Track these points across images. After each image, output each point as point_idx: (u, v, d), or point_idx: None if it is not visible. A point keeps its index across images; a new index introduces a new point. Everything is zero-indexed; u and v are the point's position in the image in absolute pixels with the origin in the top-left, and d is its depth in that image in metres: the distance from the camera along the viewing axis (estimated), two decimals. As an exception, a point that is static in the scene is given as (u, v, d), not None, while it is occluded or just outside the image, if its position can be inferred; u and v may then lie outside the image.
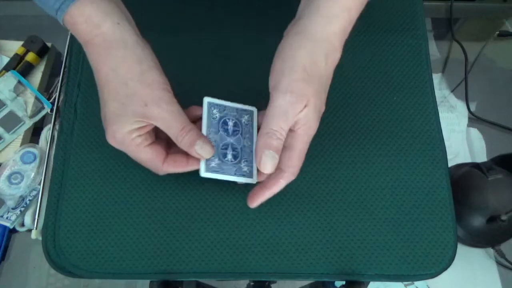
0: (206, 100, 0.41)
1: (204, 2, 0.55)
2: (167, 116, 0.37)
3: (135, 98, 0.36)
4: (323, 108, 0.37)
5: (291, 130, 0.36)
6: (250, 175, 0.40)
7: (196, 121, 0.41)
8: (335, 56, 0.37)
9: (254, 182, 0.40)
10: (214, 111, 0.41)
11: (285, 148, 0.37)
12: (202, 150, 0.37)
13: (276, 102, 0.35)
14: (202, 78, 0.51)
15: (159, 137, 0.40)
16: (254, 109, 0.43)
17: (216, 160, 0.40)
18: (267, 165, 0.36)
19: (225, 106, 0.42)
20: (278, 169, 0.38)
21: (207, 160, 0.39)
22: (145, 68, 0.37)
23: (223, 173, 0.39)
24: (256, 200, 0.39)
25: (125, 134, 0.37)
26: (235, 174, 0.40)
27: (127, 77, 0.36)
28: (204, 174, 0.39)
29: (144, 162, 0.39)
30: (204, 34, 0.53)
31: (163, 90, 0.37)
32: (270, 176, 0.38)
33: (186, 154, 0.39)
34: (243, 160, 0.40)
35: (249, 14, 0.54)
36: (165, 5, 0.54)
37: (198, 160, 0.39)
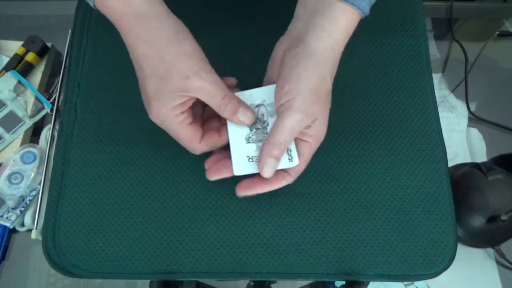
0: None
1: (205, 3, 0.55)
2: (209, 86, 0.37)
3: (174, 71, 0.36)
4: (328, 117, 0.39)
5: (300, 140, 0.38)
6: (291, 159, 0.39)
7: (231, 89, 0.41)
8: (335, 71, 0.39)
9: (296, 164, 0.39)
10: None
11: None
12: (245, 117, 0.39)
13: (285, 120, 0.36)
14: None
15: (196, 118, 0.40)
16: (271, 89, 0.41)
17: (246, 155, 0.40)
18: (268, 172, 0.37)
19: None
20: (285, 172, 0.39)
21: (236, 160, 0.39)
22: (181, 39, 0.37)
23: (257, 162, 0.39)
24: (251, 191, 0.39)
25: (169, 111, 0.37)
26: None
27: (164, 49, 0.36)
28: (238, 172, 0.39)
29: (183, 140, 0.39)
30: (205, 35, 0.53)
31: (201, 60, 0.37)
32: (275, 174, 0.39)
33: (217, 131, 0.40)
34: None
35: (250, 14, 0.54)
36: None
37: (226, 135, 0.40)
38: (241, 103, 0.39)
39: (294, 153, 0.39)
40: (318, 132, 0.38)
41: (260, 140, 0.40)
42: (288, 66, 0.38)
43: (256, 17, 0.54)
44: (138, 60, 0.37)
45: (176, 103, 0.37)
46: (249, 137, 0.40)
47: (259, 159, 0.38)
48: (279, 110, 0.37)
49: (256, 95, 0.41)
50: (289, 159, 0.39)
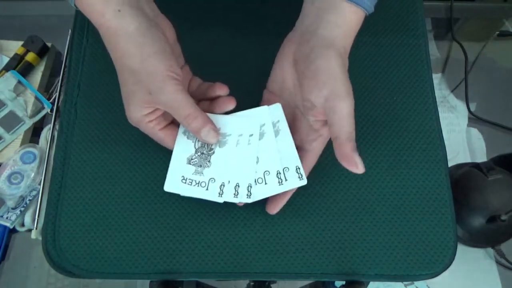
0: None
1: (205, 3, 0.55)
2: (172, 103, 0.38)
3: (141, 85, 0.38)
4: None
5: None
6: (221, 194, 0.41)
7: (214, 99, 0.43)
8: (349, 50, 0.41)
9: (222, 201, 0.41)
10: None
11: (305, 150, 0.42)
12: (208, 138, 0.40)
13: (344, 109, 0.37)
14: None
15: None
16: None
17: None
18: (362, 166, 0.37)
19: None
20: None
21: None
22: (145, 57, 0.37)
23: (188, 186, 0.41)
24: (280, 204, 0.42)
25: (139, 118, 0.40)
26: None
27: (131, 65, 0.37)
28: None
29: (158, 140, 0.42)
30: (205, 34, 0.53)
31: (166, 78, 0.38)
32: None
33: None
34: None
35: (249, 14, 0.54)
36: (165, 6, 0.54)
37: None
38: (206, 122, 0.39)
39: (302, 170, 0.41)
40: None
41: (200, 165, 0.41)
42: (308, 61, 0.39)
43: (257, 18, 0.54)
44: (116, 67, 0.39)
45: (144, 113, 0.39)
46: (191, 159, 0.41)
47: (347, 159, 0.37)
48: (327, 105, 0.38)
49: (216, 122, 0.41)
50: (299, 177, 0.40)
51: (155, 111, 0.39)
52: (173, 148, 0.41)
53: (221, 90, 0.42)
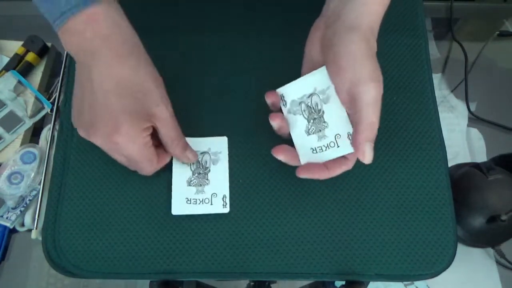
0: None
1: (205, 2, 0.55)
2: (170, 119, 0.40)
3: (150, 96, 0.38)
4: None
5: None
6: (225, 205, 0.45)
7: None
8: (377, 33, 0.39)
9: (227, 211, 0.45)
10: None
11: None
12: (191, 156, 0.44)
13: (367, 95, 0.35)
14: (202, 78, 0.51)
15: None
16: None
17: None
18: (370, 157, 0.36)
19: None
20: (342, 157, 0.39)
21: None
22: (151, 67, 0.39)
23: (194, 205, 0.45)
24: (310, 174, 0.39)
25: (140, 132, 0.38)
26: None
27: (144, 77, 0.38)
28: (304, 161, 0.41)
29: (142, 160, 0.41)
30: (205, 34, 0.53)
31: (165, 93, 0.40)
32: (333, 161, 0.39)
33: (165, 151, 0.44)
34: None
35: (250, 14, 0.54)
36: (165, 5, 0.54)
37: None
38: (187, 144, 0.44)
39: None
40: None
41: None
42: (332, 45, 0.38)
43: (257, 18, 0.54)
44: (111, 81, 0.38)
45: (146, 125, 0.39)
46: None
47: (357, 146, 0.36)
48: (350, 91, 0.36)
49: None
50: (351, 143, 0.38)
51: (150, 126, 0.39)
52: (154, 168, 0.43)
53: None
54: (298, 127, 0.41)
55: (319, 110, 0.40)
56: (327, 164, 0.39)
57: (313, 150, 0.40)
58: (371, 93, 0.35)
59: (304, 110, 0.40)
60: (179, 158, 0.44)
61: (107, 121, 0.38)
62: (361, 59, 0.36)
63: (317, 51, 0.40)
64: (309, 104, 0.40)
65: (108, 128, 0.38)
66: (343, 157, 0.39)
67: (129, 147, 0.39)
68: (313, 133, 0.40)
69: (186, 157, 0.44)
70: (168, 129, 0.40)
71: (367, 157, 0.36)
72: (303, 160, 0.40)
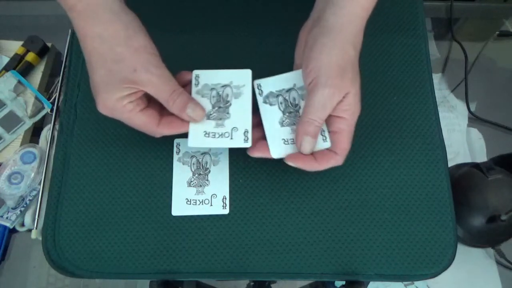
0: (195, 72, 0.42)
1: (205, 2, 0.55)
2: (157, 80, 0.37)
3: (122, 64, 0.36)
4: (360, 91, 0.39)
5: (338, 117, 0.39)
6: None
7: (185, 86, 0.42)
8: (359, 41, 0.39)
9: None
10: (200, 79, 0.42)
11: (334, 133, 0.39)
12: (194, 113, 0.39)
13: (315, 96, 0.37)
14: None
15: (152, 101, 0.40)
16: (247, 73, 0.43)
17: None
18: (307, 148, 0.39)
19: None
20: (332, 152, 0.40)
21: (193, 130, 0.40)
22: (131, 33, 0.37)
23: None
24: (297, 162, 0.39)
25: (116, 101, 0.37)
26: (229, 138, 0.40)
27: (113, 42, 0.36)
28: (275, 155, 0.40)
29: (138, 127, 0.40)
30: (205, 33, 0.53)
31: (151, 55, 0.38)
32: (322, 154, 0.40)
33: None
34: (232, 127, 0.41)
35: (250, 15, 0.54)
36: (166, 3, 0.54)
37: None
38: (190, 98, 0.39)
39: (327, 133, 0.40)
40: (352, 107, 0.38)
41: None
42: (309, 47, 0.38)
43: (256, 18, 0.54)
44: (87, 51, 0.37)
45: (123, 94, 0.37)
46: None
47: (295, 138, 0.39)
48: (308, 89, 0.38)
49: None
50: (323, 139, 0.40)
51: (135, 93, 0.37)
52: (155, 132, 0.40)
53: (188, 74, 0.42)
54: (272, 118, 0.41)
55: (296, 105, 0.41)
56: (315, 155, 0.40)
57: (285, 141, 0.40)
58: (320, 97, 0.37)
59: (281, 103, 0.41)
60: (182, 117, 0.39)
61: (93, 94, 0.39)
62: (327, 62, 0.37)
63: (302, 49, 0.41)
64: (287, 97, 0.41)
65: (95, 100, 0.38)
66: (333, 151, 0.39)
67: (116, 115, 0.38)
68: (287, 125, 0.41)
69: (187, 116, 0.39)
70: (156, 91, 0.38)
71: (303, 149, 0.38)
72: (272, 151, 0.40)
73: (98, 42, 0.36)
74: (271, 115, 0.41)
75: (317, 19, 0.39)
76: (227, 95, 0.42)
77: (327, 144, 0.40)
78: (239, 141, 0.40)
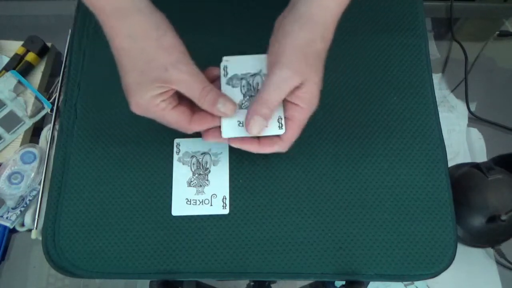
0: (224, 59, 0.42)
1: (205, 3, 0.55)
2: (187, 78, 0.38)
3: (154, 63, 0.37)
4: (321, 84, 0.39)
5: (293, 104, 0.38)
6: (281, 127, 0.40)
7: (213, 81, 0.42)
8: (329, 36, 0.39)
9: (284, 131, 0.40)
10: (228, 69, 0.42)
11: (286, 119, 0.39)
12: (225, 108, 0.39)
13: (272, 76, 0.37)
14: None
15: (183, 98, 0.40)
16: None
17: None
18: (254, 129, 0.38)
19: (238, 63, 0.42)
20: (277, 137, 0.40)
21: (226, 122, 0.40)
22: (161, 33, 0.37)
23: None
24: (240, 144, 0.40)
25: (149, 101, 0.38)
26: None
27: (144, 42, 0.37)
28: (226, 135, 0.40)
29: (171, 124, 0.40)
30: (205, 34, 0.53)
31: (181, 53, 0.38)
32: (267, 138, 0.40)
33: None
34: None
35: (250, 16, 0.54)
36: (167, 4, 0.54)
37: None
38: (220, 94, 0.39)
39: (283, 121, 0.40)
40: (309, 96, 0.38)
41: (200, 185, 0.43)
42: (277, 32, 0.39)
43: (256, 19, 0.54)
44: (118, 53, 0.38)
45: (155, 93, 0.37)
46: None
47: (246, 117, 0.38)
48: (268, 70, 0.38)
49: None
50: (279, 126, 0.39)
51: (167, 91, 0.38)
52: (187, 129, 0.41)
53: (216, 70, 0.42)
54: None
55: (258, 90, 0.41)
56: (260, 139, 0.40)
57: (240, 123, 0.40)
58: (278, 78, 0.36)
59: (244, 86, 0.41)
60: (213, 113, 0.39)
61: (125, 94, 0.39)
62: (290, 48, 0.37)
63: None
64: (250, 82, 0.41)
65: (128, 101, 0.39)
66: (278, 137, 0.39)
67: (150, 114, 0.39)
68: (245, 108, 0.40)
69: (218, 112, 0.39)
70: (187, 89, 0.38)
71: (250, 128, 0.38)
72: (225, 133, 0.40)
73: (129, 42, 0.37)
74: (232, 97, 0.41)
75: (291, 8, 0.39)
76: (206, 163, 0.46)
77: (282, 132, 0.39)
78: (218, 208, 0.45)
